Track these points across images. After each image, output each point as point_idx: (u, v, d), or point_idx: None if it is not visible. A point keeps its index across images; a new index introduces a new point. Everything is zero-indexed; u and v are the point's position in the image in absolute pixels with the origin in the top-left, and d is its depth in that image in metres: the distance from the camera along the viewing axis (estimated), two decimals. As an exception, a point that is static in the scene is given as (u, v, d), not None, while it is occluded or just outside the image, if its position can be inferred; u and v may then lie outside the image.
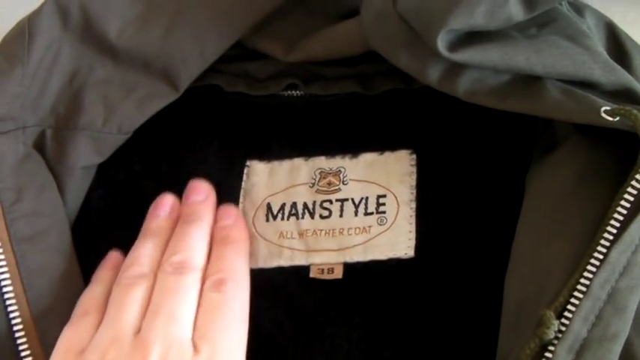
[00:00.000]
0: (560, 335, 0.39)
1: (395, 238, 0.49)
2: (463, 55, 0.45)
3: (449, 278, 0.48)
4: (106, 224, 0.53)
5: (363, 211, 0.50)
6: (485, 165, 0.51)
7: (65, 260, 0.49)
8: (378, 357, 0.47)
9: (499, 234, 0.47)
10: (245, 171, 0.53)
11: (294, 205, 0.51)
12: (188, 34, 0.51)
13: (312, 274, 0.49)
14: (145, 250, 0.49)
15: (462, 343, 0.46)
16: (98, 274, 0.49)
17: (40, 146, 0.51)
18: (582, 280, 0.40)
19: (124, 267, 0.48)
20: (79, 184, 0.51)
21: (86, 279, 0.49)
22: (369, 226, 0.50)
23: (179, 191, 0.52)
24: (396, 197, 0.50)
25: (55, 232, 0.49)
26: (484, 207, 0.49)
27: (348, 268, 0.49)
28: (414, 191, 0.50)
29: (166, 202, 0.51)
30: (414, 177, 0.51)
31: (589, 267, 0.40)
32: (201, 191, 0.51)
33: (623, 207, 0.40)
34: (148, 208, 0.52)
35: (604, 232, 0.40)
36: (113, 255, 0.50)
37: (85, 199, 0.52)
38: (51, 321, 0.47)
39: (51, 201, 0.50)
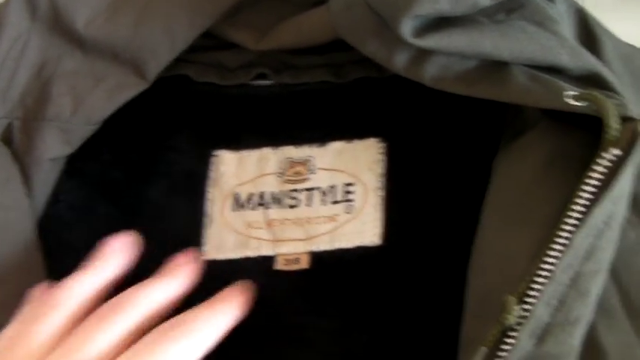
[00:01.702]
0: (522, 321, 0.39)
1: (362, 226, 0.49)
2: (429, 41, 0.45)
3: (416, 265, 0.48)
4: (75, 216, 0.52)
5: (330, 199, 0.50)
6: (455, 153, 0.51)
7: (28, 253, 0.49)
8: (346, 344, 0.47)
9: (467, 221, 0.46)
10: (214, 160, 0.53)
11: (262, 195, 0.51)
12: (158, 24, 0.51)
13: (278, 266, 0.49)
14: None
15: (428, 329, 0.46)
16: None
17: (7, 138, 0.51)
18: (545, 266, 0.39)
19: None
20: (47, 176, 0.51)
21: (52, 271, 0.49)
22: (337, 215, 0.50)
23: (149, 181, 0.52)
24: (363, 185, 0.50)
25: (18, 225, 0.49)
26: (452, 195, 0.49)
27: (315, 257, 0.49)
28: (382, 179, 0.50)
29: None
30: (383, 165, 0.51)
31: (552, 252, 0.39)
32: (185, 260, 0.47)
33: (586, 191, 0.40)
34: (117, 199, 0.52)
35: (568, 217, 0.40)
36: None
37: (53, 190, 0.52)
38: (11, 315, 0.47)
39: (15, 194, 0.49)
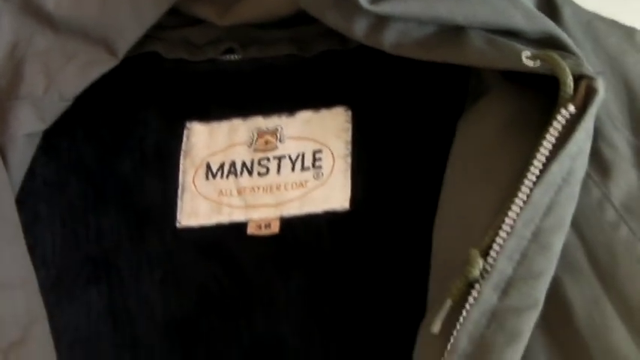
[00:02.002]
0: (486, 275, 0.40)
1: (331, 192, 0.50)
2: (385, 7, 0.45)
3: (384, 229, 0.49)
4: (49, 190, 0.53)
5: (299, 166, 0.51)
6: (420, 119, 0.51)
7: (8, 228, 0.49)
8: (315, 307, 0.48)
9: (434, 185, 0.47)
10: (185, 133, 0.54)
11: (232, 163, 0.52)
12: (124, 1, 0.52)
13: (249, 231, 0.50)
14: None
15: (396, 292, 0.47)
16: None
17: None
18: (507, 220, 0.40)
19: None
20: (22, 153, 0.51)
21: (30, 245, 0.49)
22: (306, 181, 0.51)
23: (122, 155, 0.53)
24: (331, 152, 0.51)
25: None
26: (419, 160, 0.50)
27: (285, 222, 0.50)
28: (350, 146, 0.51)
29: None
30: (350, 133, 0.52)
31: (514, 207, 0.40)
32: None
33: (545, 148, 0.41)
34: (90, 173, 0.53)
35: (527, 174, 0.41)
36: None
37: (30, 166, 0.53)
38: None
39: None
